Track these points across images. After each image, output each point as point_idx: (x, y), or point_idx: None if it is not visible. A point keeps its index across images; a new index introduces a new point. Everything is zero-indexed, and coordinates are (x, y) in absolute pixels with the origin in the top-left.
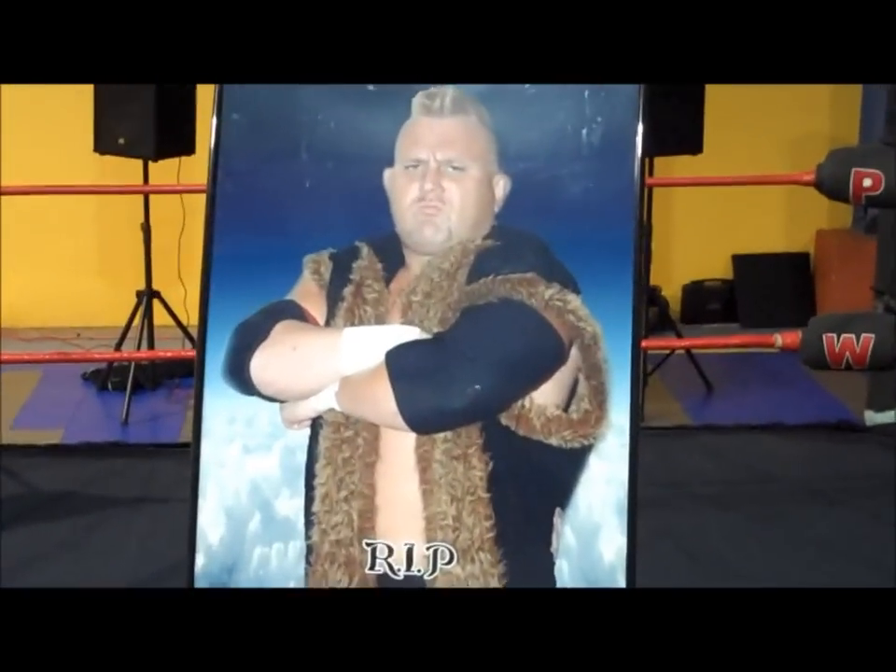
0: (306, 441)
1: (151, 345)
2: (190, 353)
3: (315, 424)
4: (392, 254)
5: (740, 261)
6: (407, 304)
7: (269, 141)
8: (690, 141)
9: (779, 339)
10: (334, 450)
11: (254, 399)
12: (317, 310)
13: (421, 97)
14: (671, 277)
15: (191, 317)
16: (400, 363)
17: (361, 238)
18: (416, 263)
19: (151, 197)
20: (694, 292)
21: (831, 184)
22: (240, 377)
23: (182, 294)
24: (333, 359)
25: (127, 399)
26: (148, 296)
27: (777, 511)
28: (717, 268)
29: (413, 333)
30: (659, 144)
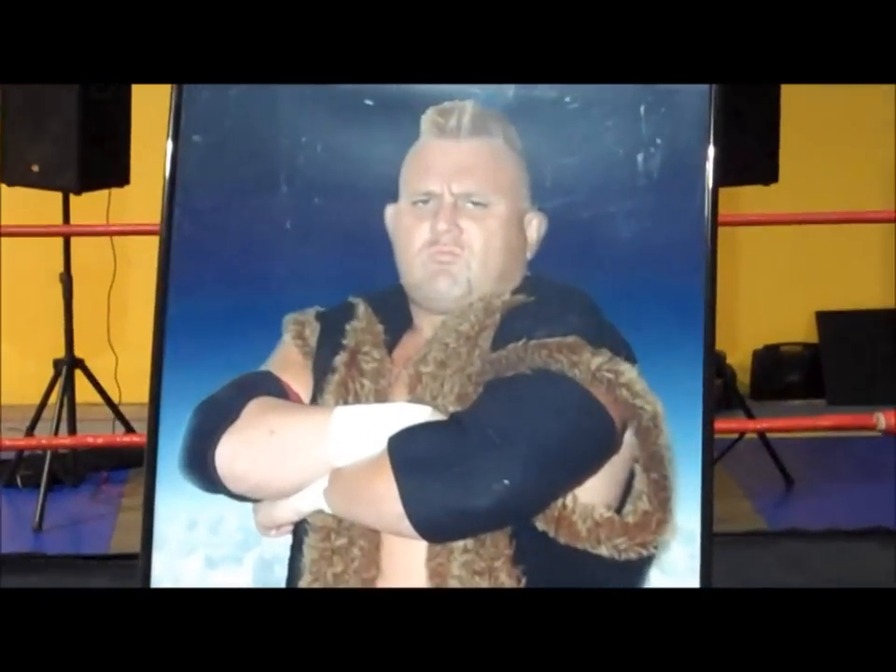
0: (287, 552)
1: (73, 429)
2: (123, 439)
3: (299, 530)
4: (396, 313)
5: (826, 320)
6: (416, 377)
7: (239, 171)
8: (762, 168)
9: (882, 419)
10: (323, 563)
11: (220, 497)
12: (301, 384)
13: (433, 114)
14: (738, 341)
15: (125, 393)
16: (407, 452)
17: (357, 293)
18: (427, 324)
19: (73, 241)
20: (769, 360)
21: None
22: (202, 470)
23: (112, 363)
24: (321, 447)
25: (41, 497)
26: (69, 366)
27: None
28: (797, 329)
29: (423, 413)
30: (723, 172)
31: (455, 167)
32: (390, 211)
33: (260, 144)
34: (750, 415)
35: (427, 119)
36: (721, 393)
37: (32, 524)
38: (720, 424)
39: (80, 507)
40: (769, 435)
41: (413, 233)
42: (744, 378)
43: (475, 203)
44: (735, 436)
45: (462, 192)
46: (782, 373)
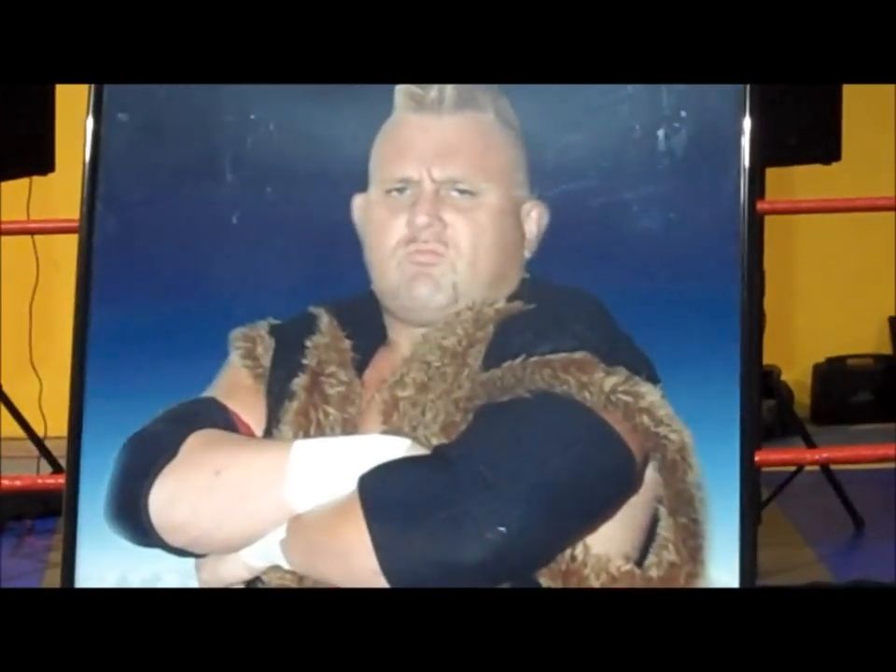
0: None
1: None
2: (48, 480)
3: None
4: (366, 325)
5: None
6: (391, 402)
7: (175, 154)
8: (820, 144)
9: None
10: None
11: (156, 552)
12: (252, 413)
13: (409, 85)
14: (796, 354)
15: (51, 425)
16: (382, 494)
17: (318, 302)
18: (405, 339)
19: None
20: (832, 376)
21: None
22: (133, 518)
23: (36, 389)
24: (277, 489)
25: None
26: None
27: None
28: (866, 338)
29: (400, 447)
30: (774, 149)
31: (436, 148)
32: (359, 202)
33: (200, 122)
34: (811, 444)
35: (403, 90)
36: (774, 417)
37: None
38: (772, 454)
39: None
40: (834, 467)
41: (386, 229)
42: (803, 398)
43: (461, 192)
44: (793, 469)
45: (445, 179)
46: (849, 392)
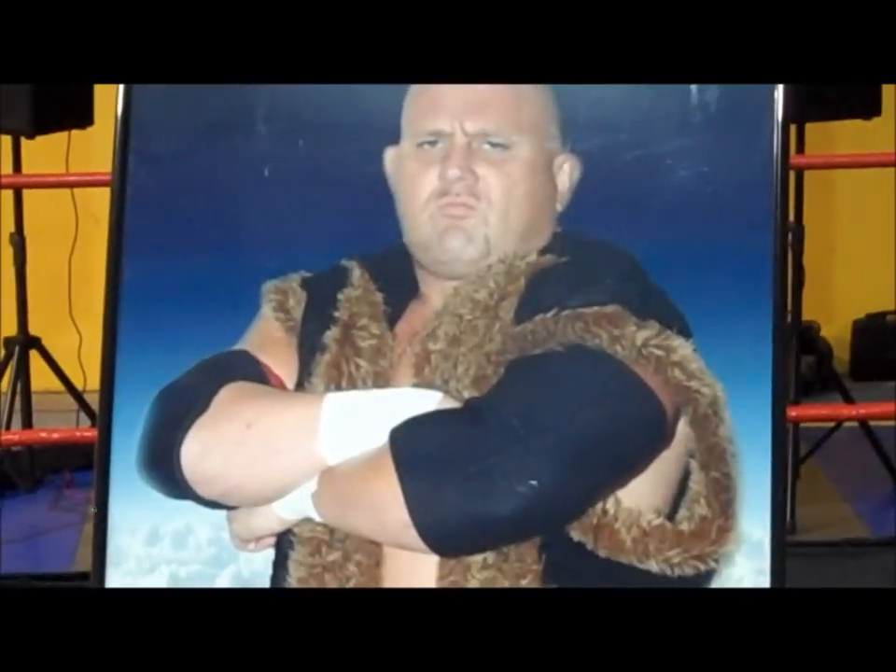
0: (269, 570)
1: (29, 422)
2: (87, 433)
3: (283, 543)
4: (398, 278)
5: None
6: (423, 356)
7: (206, 108)
8: (860, 99)
9: None
10: (313, 582)
11: (187, 504)
12: (284, 365)
13: None
14: (835, 310)
15: (91, 378)
16: (413, 447)
17: (350, 255)
18: (437, 293)
19: (27, 194)
20: (872, 333)
21: None
22: (165, 470)
23: (75, 342)
24: (309, 442)
25: None
26: (23, 346)
27: None
28: None
29: (432, 400)
30: (813, 104)
31: (468, 101)
32: (391, 155)
33: None
34: (849, 399)
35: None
36: (813, 373)
37: None
38: (810, 410)
39: (38, 515)
40: (872, 423)
41: (418, 182)
42: (842, 354)
43: (493, 145)
44: (832, 425)
45: (477, 132)
46: (889, 348)
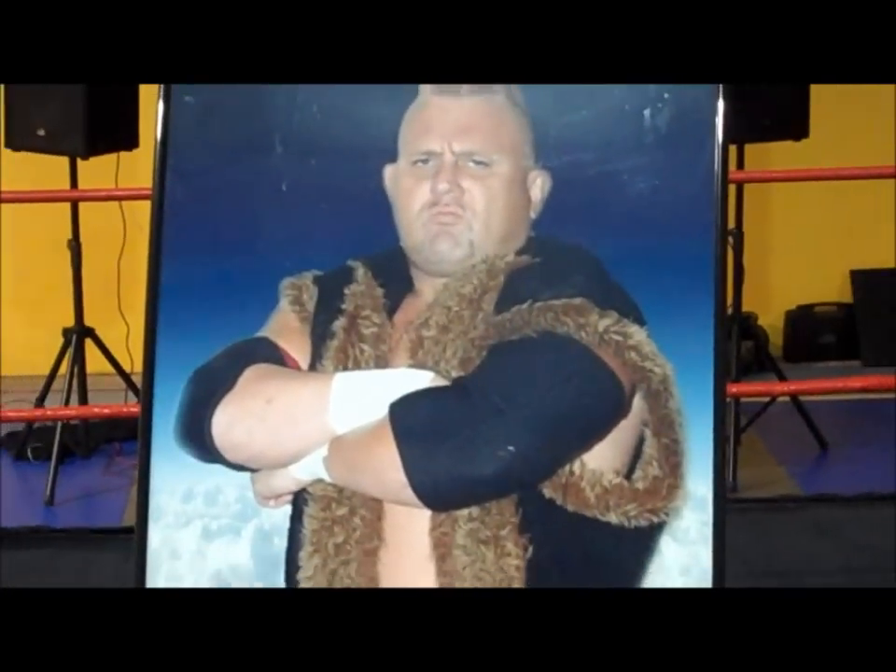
0: (286, 523)
1: (84, 400)
2: (132, 408)
3: (298, 500)
4: (396, 276)
5: (861, 279)
6: (417, 341)
7: (233, 131)
8: (791, 123)
9: None
10: (324, 533)
11: (217, 467)
12: (299, 350)
13: None
14: (770, 302)
15: (136, 362)
16: (409, 419)
17: (355, 256)
18: (428, 288)
19: (82, 206)
20: (802, 321)
21: None
22: (198, 439)
23: (123, 332)
24: (320, 414)
25: (52, 470)
26: (79, 335)
27: None
28: (831, 289)
29: (424, 379)
30: (751, 127)
31: (455, 125)
32: (389, 171)
33: (254, 103)
34: (783, 378)
35: None
36: (751, 356)
37: (43, 497)
38: (750, 387)
39: (92, 479)
40: (803, 398)
41: (413, 194)
42: (777, 340)
43: (477, 162)
44: (767, 400)
45: (463, 151)
46: (816, 335)
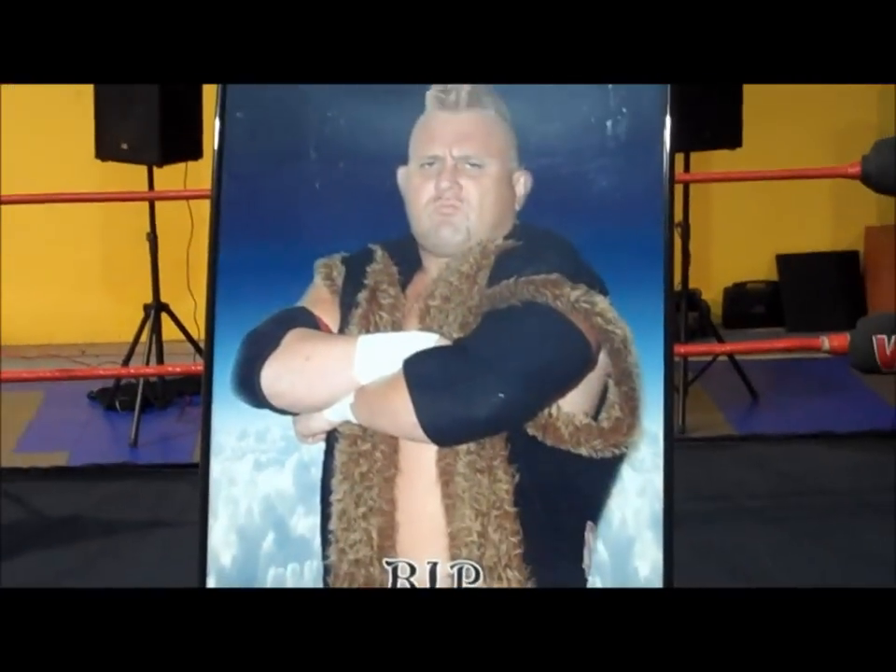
0: (321, 456)
1: (160, 361)
2: (199, 368)
3: (331, 437)
4: (408, 257)
5: (785, 261)
6: (425, 309)
7: (275, 141)
8: (727, 135)
9: (826, 342)
10: (351, 464)
11: (265, 412)
12: (330, 317)
13: (435, 91)
14: (711, 280)
15: (202, 331)
16: (419, 372)
17: (375, 241)
18: (434, 266)
19: (157, 205)
20: (737, 295)
21: (878, 176)
22: (250, 389)
23: (192, 306)
24: (348, 369)
25: (136, 418)
26: (156, 309)
27: (826, 525)
28: (760, 269)
29: (431, 340)
30: (695, 138)
31: (455, 134)
32: (402, 172)
33: (292, 118)
34: (721, 341)
35: (431, 95)
36: (696, 324)
37: (128, 440)
38: (695, 348)
39: (168, 426)
40: (738, 357)
41: (420, 191)
42: (717, 311)
43: (472, 165)
44: (709, 358)
45: (461, 155)
46: (748, 306)
